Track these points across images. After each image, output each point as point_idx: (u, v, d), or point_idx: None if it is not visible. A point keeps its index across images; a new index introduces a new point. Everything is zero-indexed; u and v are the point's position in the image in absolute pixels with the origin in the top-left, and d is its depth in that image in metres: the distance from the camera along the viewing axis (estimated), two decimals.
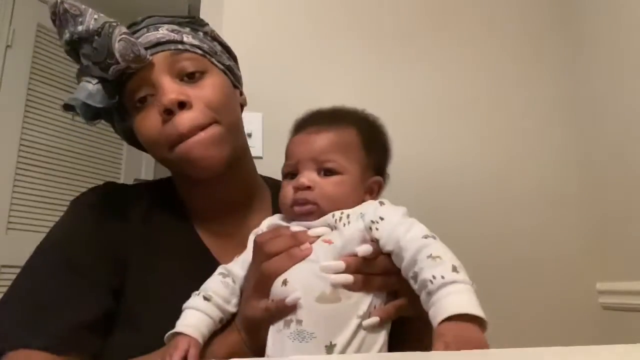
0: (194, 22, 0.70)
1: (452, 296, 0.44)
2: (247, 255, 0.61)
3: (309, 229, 0.57)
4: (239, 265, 0.61)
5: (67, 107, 0.63)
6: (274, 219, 0.63)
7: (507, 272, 1.42)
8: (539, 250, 1.46)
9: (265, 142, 1.34)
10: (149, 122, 0.63)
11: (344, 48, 1.48)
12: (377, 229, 0.54)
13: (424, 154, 1.47)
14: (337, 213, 0.56)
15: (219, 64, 0.69)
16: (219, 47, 0.72)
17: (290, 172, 0.61)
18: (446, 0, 1.59)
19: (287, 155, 0.63)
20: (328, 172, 0.59)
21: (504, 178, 1.50)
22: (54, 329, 0.56)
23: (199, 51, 0.66)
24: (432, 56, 1.54)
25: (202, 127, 0.62)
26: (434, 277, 0.46)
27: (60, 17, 0.59)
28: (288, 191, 0.59)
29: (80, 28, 0.58)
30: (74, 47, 0.61)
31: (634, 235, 1.33)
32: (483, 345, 0.40)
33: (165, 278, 0.65)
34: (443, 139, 1.49)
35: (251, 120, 1.30)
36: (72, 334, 0.57)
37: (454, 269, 0.46)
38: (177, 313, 0.56)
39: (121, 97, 0.66)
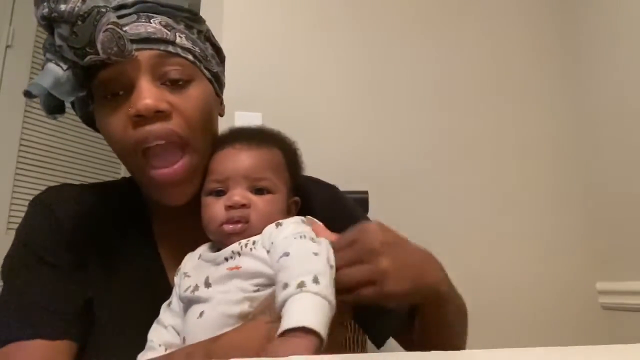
0: (191, 19, 0.63)
1: (283, 318, 0.42)
2: (173, 298, 0.58)
3: (215, 262, 0.55)
4: (170, 314, 0.58)
5: (27, 94, 0.54)
6: (196, 253, 0.60)
7: (507, 272, 1.42)
8: (539, 250, 1.46)
9: None
10: (117, 121, 0.57)
11: (344, 48, 1.48)
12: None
13: (421, 152, 1.47)
14: (244, 241, 0.54)
15: (206, 72, 0.63)
16: (210, 50, 0.66)
17: (217, 189, 0.58)
18: (444, 2, 1.59)
19: (214, 171, 0.59)
20: (260, 191, 0.57)
21: (504, 177, 1.50)
22: (42, 319, 0.55)
23: (190, 57, 0.60)
24: (432, 55, 1.54)
25: (176, 145, 0.57)
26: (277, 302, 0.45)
27: None
28: (218, 209, 0.56)
29: (62, 7, 0.51)
30: (50, 23, 0.53)
31: (634, 235, 1.33)
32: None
33: (120, 298, 0.61)
34: (444, 137, 1.49)
35: (251, 121, 1.30)
36: (61, 321, 0.56)
37: (284, 287, 0.45)
38: (126, 339, 0.55)
39: (90, 81, 0.58)
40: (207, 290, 0.52)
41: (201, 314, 0.51)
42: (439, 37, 1.55)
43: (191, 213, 0.60)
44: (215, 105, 0.66)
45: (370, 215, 1.09)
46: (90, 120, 0.65)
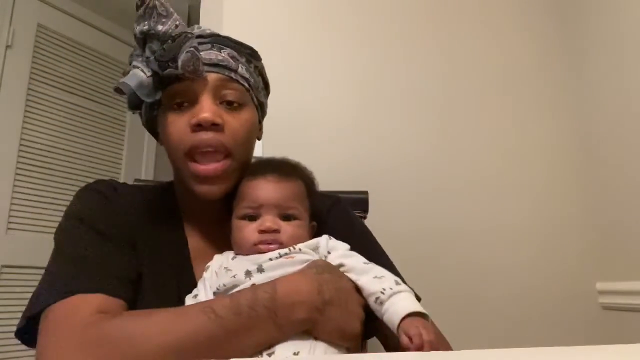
0: (251, 55, 0.76)
1: (402, 301, 0.57)
2: (199, 292, 0.65)
3: (257, 261, 0.62)
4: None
5: (117, 90, 0.67)
6: (227, 254, 0.68)
7: (508, 272, 1.42)
8: (540, 250, 1.46)
9: (265, 142, 1.33)
10: (179, 126, 0.68)
11: (344, 48, 1.48)
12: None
13: (421, 152, 1.47)
14: (290, 247, 0.65)
15: (255, 99, 0.76)
16: (261, 83, 0.79)
17: (249, 215, 0.67)
18: (445, 3, 1.59)
19: (246, 198, 0.68)
20: (288, 217, 0.67)
21: (504, 177, 1.50)
22: (102, 277, 0.61)
23: (246, 84, 0.73)
24: (432, 56, 1.54)
25: (222, 152, 0.68)
26: (383, 289, 0.58)
27: (146, 9, 0.64)
28: (251, 232, 0.66)
29: (160, 27, 0.64)
30: (145, 37, 0.66)
31: (634, 235, 1.33)
32: (439, 332, 0.56)
33: (156, 280, 0.68)
34: (444, 137, 1.49)
35: None
36: (119, 283, 0.62)
37: (397, 283, 0.60)
38: None
39: (163, 89, 0.70)
40: (260, 274, 0.60)
41: (252, 285, 0.59)
42: (440, 38, 1.55)
43: (216, 216, 0.72)
44: (256, 129, 0.78)
45: (370, 215, 1.10)
46: (150, 124, 0.76)
